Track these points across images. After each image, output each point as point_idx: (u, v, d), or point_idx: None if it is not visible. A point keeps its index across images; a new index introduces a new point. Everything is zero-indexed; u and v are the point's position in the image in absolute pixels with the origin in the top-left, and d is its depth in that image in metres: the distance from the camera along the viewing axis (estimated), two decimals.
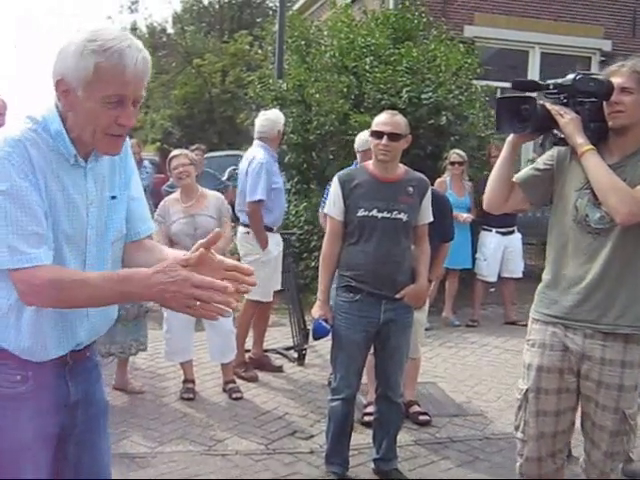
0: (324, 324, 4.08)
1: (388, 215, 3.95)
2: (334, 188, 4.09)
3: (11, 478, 2.07)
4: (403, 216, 3.98)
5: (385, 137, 3.94)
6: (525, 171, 3.11)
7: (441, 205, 5.03)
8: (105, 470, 2.37)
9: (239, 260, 6.00)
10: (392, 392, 4.15)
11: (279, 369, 6.16)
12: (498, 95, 11.38)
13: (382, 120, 4.03)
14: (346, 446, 4.20)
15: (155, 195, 8.47)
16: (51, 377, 2.13)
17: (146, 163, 8.52)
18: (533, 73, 11.77)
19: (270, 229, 5.95)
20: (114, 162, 2.21)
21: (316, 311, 4.16)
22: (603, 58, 11.72)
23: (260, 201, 5.77)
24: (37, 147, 1.95)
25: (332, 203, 4.10)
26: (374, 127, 4.04)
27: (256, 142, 6.08)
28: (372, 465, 4.28)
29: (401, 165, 4.13)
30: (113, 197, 2.19)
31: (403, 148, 4.05)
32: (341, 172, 4.20)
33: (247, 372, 5.92)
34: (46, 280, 1.90)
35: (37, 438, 2.10)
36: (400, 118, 4.08)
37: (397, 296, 4.00)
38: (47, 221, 1.96)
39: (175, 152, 5.54)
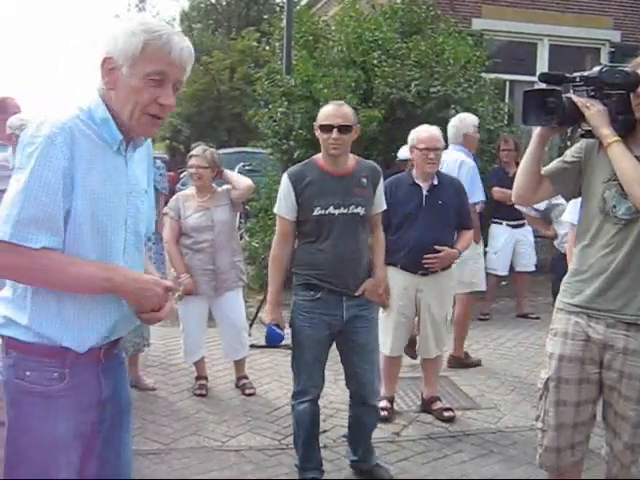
0: (277, 330, 3.92)
1: (345, 210, 3.80)
2: (284, 187, 3.89)
3: (47, 477, 2.09)
4: (360, 210, 3.83)
5: (335, 130, 3.75)
6: (553, 164, 3.10)
7: (459, 193, 4.96)
8: (129, 467, 2.39)
9: None
10: (366, 394, 4.00)
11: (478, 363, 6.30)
12: (507, 88, 11.40)
13: (330, 112, 3.82)
14: (318, 448, 4.07)
15: (172, 194, 8.51)
16: (86, 374, 2.15)
17: (158, 163, 8.48)
18: (542, 65, 11.71)
19: None
20: (144, 158, 2.29)
21: (267, 316, 4.00)
22: (612, 49, 11.65)
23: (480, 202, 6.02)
24: (82, 133, 2.02)
25: (282, 202, 3.90)
26: (322, 121, 3.83)
27: (453, 146, 6.26)
28: (348, 463, 4.22)
29: (351, 156, 3.95)
30: (146, 191, 2.28)
31: (354, 139, 3.88)
32: (290, 169, 4.00)
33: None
34: (33, 261, 1.96)
35: (73, 436, 2.12)
36: (347, 108, 3.87)
37: (357, 293, 3.88)
38: (80, 205, 2.02)
39: (196, 151, 5.40)
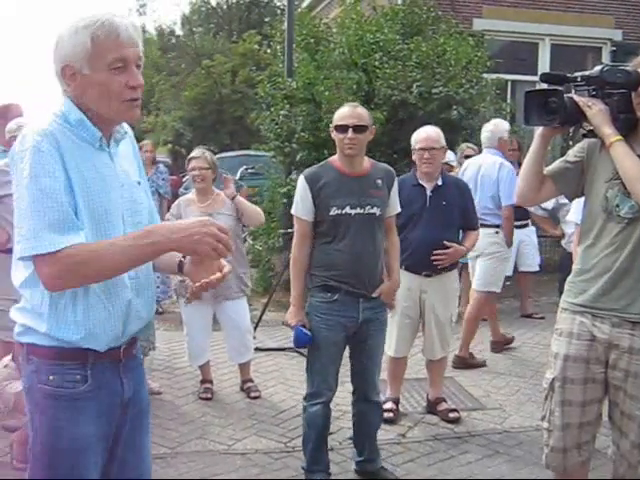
0: (305, 331, 3.92)
1: (361, 211, 3.83)
2: (301, 188, 3.92)
3: (73, 478, 2.10)
4: (376, 210, 3.87)
5: (350, 130, 3.81)
6: (556, 164, 3.11)
7: (463, 194, 4.99)
8: (148, 469, 2.40)
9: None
10: (371, 392, 4.08)
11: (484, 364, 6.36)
12: (508, 88, 11.40)
13: (345, 113, 3.89)
14: (326, 451, 4.11)
15: (175, 198, 8.51)
16: (108, 376, 2.16)
17: (161, 167, 8.47)
18: (543, 65, 11.71)
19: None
20: (129, 151, 2.30)
21: (292, 318, 3.99)
22: (614, 48, 11.64)
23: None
24: (64, 136, 2.03)
25: (300, 204, 3.93)
26: (338, 121, 3.89)
27: (488, 150, 6.53)
28: (354, 466, 4.23)
29: (366, 158, 4.01)
30: (138, 182, 2.28)
31: (368, 140, 3.92)
32: (306, 171, 4.04)
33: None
34: (72, 260, 1.94)
35: (98, 437, 2.13)
36: (362, 109, 3.95)
37: (374, 295, 3.92)
38: (79, 203, 2.01)
39: (195, 153, 5.42)
